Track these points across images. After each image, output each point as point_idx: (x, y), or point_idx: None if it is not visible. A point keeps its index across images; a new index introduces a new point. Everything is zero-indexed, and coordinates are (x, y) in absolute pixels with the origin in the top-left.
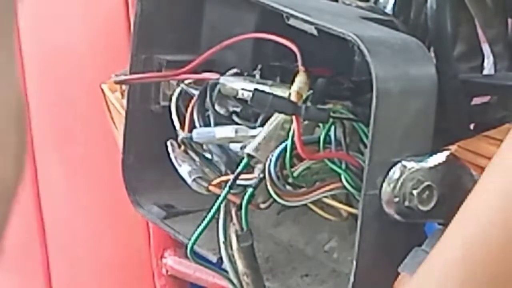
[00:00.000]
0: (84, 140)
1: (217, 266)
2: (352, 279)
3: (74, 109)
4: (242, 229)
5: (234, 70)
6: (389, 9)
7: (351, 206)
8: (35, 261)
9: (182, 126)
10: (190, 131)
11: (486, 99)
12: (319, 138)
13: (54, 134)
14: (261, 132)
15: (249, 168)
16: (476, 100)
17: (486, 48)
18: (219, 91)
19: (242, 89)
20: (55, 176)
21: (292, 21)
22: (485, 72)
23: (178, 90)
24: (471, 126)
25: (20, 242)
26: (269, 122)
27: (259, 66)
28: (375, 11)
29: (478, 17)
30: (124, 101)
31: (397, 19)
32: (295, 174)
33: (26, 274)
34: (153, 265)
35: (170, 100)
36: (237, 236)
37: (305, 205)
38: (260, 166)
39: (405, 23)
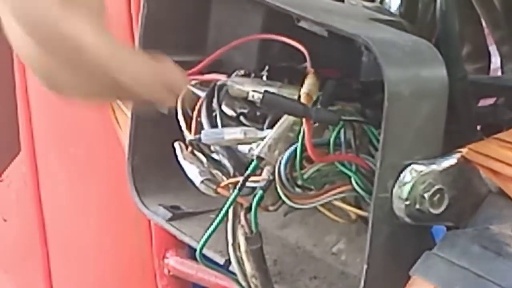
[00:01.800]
0: (86, 140)
1: (224, 268)
2: (362, 282)
3: (76, 109)
4: (251, 231)
5: (242, 72)
6: (394, 9)
7: (359, 208)
8: (35, 261)
9: (189, 127)
10: (196, 132)
11: (493, 100)
12: (329, 140)
13: (56, 134)
14: (270, 134)
15: (257, 170)
16: (483, 102)
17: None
18: (227, 92)
19: (253, 90)
20: (56, 176)
21: (302, 23)
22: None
23: (183, 90)
24: (478, 128)
25: (21, 242)
26: (278, 124)
27: (267, 67)
28: (382, 12)
29: (485, 18)
30: None
31: (404, 19)
32: (305, 177)
33: (26, 274)
34: (155, 266)
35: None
36: (246, 239)
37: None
38: (269, 168)
39: (412, 24)
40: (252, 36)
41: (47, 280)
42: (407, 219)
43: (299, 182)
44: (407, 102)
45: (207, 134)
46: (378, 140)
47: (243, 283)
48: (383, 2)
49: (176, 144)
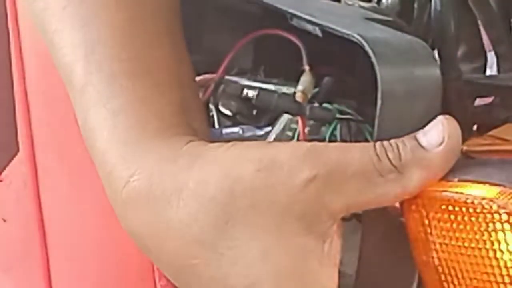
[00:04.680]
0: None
1: None
2: (354, 280)
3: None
4: None
5: (237, 70)
6: (390, 9)
7: None
8: (35, 261)
9: None
10: None
11: (489, 100)
12: (324, 138)
13: (55, 133)
14: (271, 134)
15: None
16: (479, 101)
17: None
18: (223, 91)
19: (247, 88)
20: (56, 176)
21: (295, 21)
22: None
23: None
24: (474, 128)
25: (21, 242)
26: (278, 122)
27: (263, 66)
28: (378, 12)
29: (481, 17)
30: None
31: (400, 19)
32: None
33: (26, 274)
34: (154, 266)
35: None
36: None
37: None
38: None
39: (408, 24)
40: (255, 32)
41: (47, 280)
42: (401, 218)
43: None
44: (400, 101)
45: None
46: (373, 138)
47: None
48: (379, 2)
49: None
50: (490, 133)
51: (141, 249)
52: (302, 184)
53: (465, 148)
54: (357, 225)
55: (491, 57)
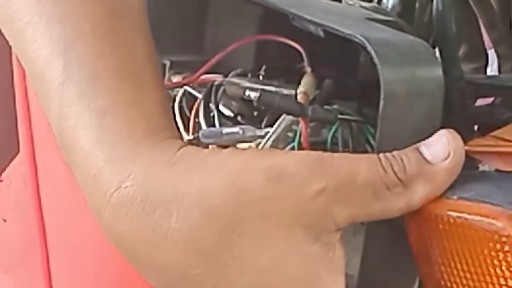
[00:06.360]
0: None
1: None
2: (357, 282)
3: None
4: None
5: (239, 71)
6: (391, 9)
7: None
8: (35, 261)
9: (186, 129)
10: (194, 133)
11: (490, 100)
12: (326, 139)
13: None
14: (271, 135)
15: None
16: (481, 102)
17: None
18: (224, 92)
19: (249, 89)
20: (56, 176)
21: (297, 22)
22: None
23: (181, 91)
24: (475, 128)
25: (21, 243)
26: (276, 124)
27: (264, 67)
28: (379, 12)
29: (482, 17)
30: None
31: (401, 19)
32: None
33: (26, 275)
34: None
35: (174, 101)
36: None
37: None
38: None
39: (409, 24)
40: (249, 38)
41: (47, 280)
42: (403, 220)
43: None
44: (402, 101)
45: (206, 133)
46: (375, 139)
47: None
48: (380, 2)
49: None
50: (492, 133)
51: (127, 257)
52: (312, 195)
53: (466, 148)
54: (358, 228)
55: (492, 55)
